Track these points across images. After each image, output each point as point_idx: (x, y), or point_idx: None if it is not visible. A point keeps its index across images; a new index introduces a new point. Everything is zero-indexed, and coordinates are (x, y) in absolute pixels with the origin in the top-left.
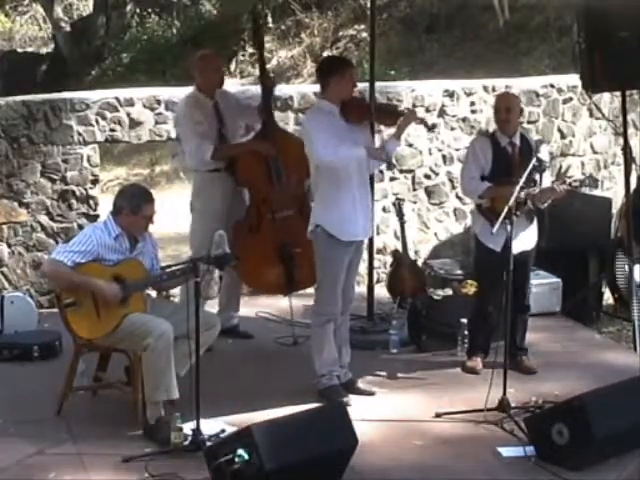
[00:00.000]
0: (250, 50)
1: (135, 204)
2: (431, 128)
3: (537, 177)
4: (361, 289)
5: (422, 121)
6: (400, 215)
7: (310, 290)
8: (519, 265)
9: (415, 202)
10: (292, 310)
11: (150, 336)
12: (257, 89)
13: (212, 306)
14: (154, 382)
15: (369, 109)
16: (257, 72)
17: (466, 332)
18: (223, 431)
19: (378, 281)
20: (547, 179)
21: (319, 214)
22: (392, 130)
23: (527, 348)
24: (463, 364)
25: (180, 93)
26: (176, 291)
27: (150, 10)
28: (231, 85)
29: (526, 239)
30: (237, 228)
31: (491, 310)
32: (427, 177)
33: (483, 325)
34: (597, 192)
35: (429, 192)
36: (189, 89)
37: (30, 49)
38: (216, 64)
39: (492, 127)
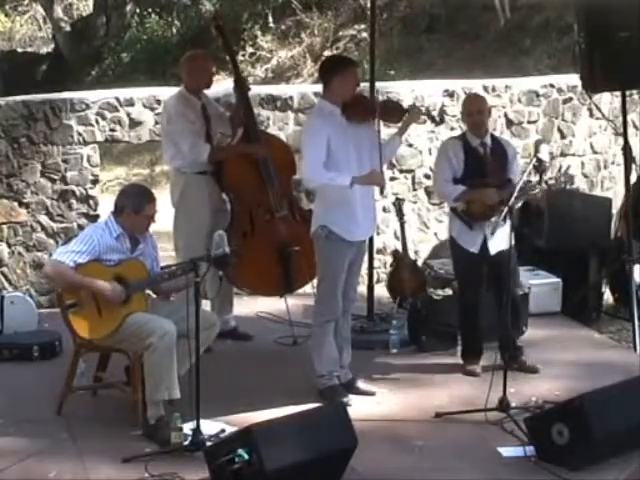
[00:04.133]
0: (250, 50)
1: (137, 204)
2: (439, 122)
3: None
4: (361, 289)
5: (428, 115)
6: (400, 215)
7: (309, 290)
8: (500, 265)
9: (415, 202)
10: (289, 310)
11: (153, 335)
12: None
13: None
14: (156, 381)
15: (372, 107)
16: (257, 72)
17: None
18: (223, 431)
19: (378, 281)
20: (517, 178)
21: (323, 215)
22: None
23: (522, 346)
24: (462, 367)
25: None
26: None
27: (150, 10)
28: (230, 84)
29: (502, 239)
30: (230, 236)
31: (473, 309)
32: (427, 177)
33: (471, 326)
34: (597, 192)
35: (429, 192)
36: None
37: (30, 49)
38: (204, 64)
39: (491, 127)
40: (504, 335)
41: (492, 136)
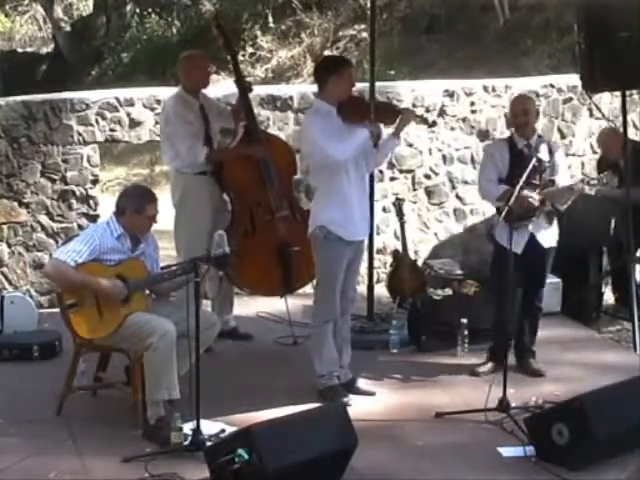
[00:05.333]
0: (250, 50)
1: (139, 204)
2: (431, 125)
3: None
4: (361, 289)
5: (422, 119)
6: (400, 215)
7: (309, 290)
8: (535, 266)
9: (415, 202)
10: (289, 310)
11: (153, 335)
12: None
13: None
14: (156, 381)
15: (367, 108)
16: (257, 72)
17: (466, 332)
18: (223, 431)
19: (378, 281)
20: (564, 179)
21: (321, 215)
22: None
23: (535, 351)
24: (472, 370)
25: None
26: None
27: (150, 10)
28: (230, 85)
29: (544, 240)
30: (230, 236)
31: (507, 310)
32: (427, 177)
33: (504, 329)
34: None
35: (429, 192)
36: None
37: (30, 49)
38: (202, 64)
39: (492, 127)
40: (517, 335)
41: (539, 137)
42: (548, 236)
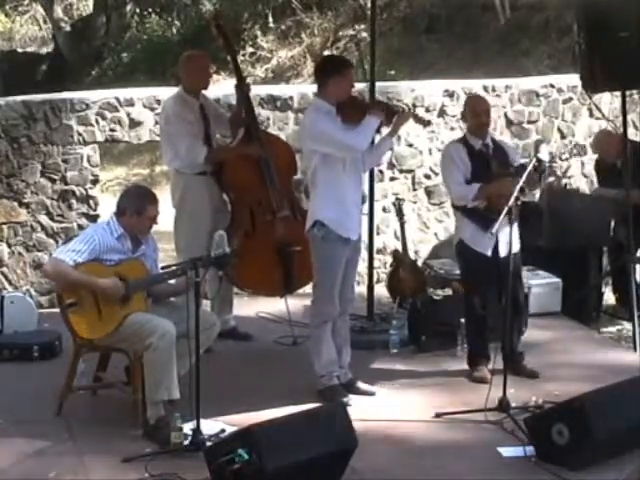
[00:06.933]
0: (250, 50)
1: (139, 205)
2: (427, 124)
3: (537, 178)
4: (361, 289)
5: (417, 118)
6: (400, 215)
7: (309, 290)
8: (508, 268)
9: (415, 202)
10: (289, 310)
11: (153, 335)
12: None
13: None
14: (155, 381)
15: (366, 108)
16: (257, 72)
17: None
18: (223, 431)
19: (378, 281)
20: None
21: (318, 210)
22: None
23: (523, 352)
24: (469, 374)
25: None
26: None
27: (150, 10)
28: (230, 85)
29: (512, 242)
30: (230, 236)
31: (483, 313)
32: (427, 177)
33: (480, 330)
34: None
35: (429, 192)
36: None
37: (30, 49)
38: (203, 65)
39: (491, 127)
40: (506, 340)
41: (492, 138)
42: (513, 239)
